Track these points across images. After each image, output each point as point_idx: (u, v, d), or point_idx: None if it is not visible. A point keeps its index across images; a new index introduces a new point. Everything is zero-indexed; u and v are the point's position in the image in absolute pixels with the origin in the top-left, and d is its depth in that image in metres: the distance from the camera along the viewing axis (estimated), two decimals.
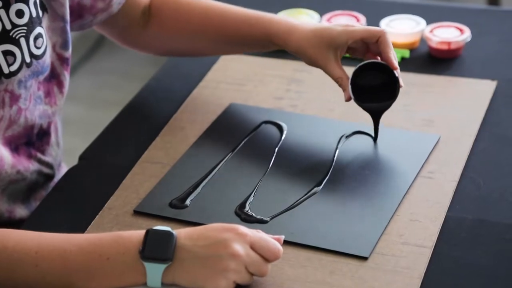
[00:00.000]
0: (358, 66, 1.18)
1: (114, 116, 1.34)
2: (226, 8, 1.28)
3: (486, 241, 1.06)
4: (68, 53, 1.19)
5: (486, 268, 1.02)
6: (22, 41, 1.11)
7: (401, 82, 1.18)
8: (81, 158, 1.25)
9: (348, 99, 1.19)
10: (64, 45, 1.18)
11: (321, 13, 1.50)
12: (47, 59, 1.15)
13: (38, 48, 1.13)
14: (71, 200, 1.17)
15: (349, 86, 1.18)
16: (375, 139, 1.22)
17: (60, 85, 1.19)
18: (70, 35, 1.18)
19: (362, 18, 1.48)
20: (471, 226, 1.08)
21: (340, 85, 1.19)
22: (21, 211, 1.19)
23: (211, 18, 1.27)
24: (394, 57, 1.17)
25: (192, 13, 1.28)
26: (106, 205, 1.13)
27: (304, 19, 1.49)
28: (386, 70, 1.18)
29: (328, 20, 1.48)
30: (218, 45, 1.30)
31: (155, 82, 1.42)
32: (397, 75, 1.17)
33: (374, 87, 1.19)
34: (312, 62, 1.21)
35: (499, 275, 1.01)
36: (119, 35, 1.33)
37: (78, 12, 1.22)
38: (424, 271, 1.01)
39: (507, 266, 1.02)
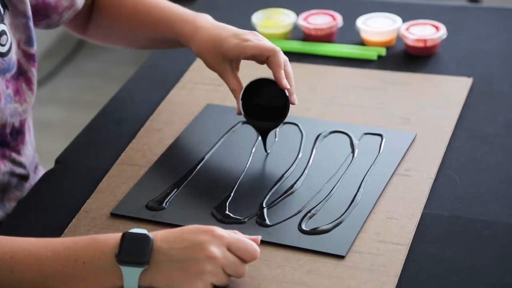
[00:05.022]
0: (250, 81, 1.14)
1: None
2: (152, 5, 1.27)
3: (462, 237, 1.06)
4: (33, 49, 1.19)
5: (463, 264, 1.02)
6: None
7: (294, 100, 1.13)
8: (58, 161, 1.24)
9: (239, 113, 1.16)
10: (29, 42, 1.18)
11: (298, 12, 1.51)
12: (13, 56, 1.15)
13: (2, 45, 1.13)
14: (47, 204, 1.16)
15: (240, 101, 1.14)
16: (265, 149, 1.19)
17: (28, 81, 1.18)
18: (34, 31, 1.18)
19: (339, 17, 1.48)
20: (448, 223, 1.08)
21: (235, 97, 1.16)
22: None
23: (137, 14, 1.27)
24: (286, 76, 1.12)
25: (123, 8, 1.29)
26: (82, 208, 1.13)
27: (280, 19, 1.49)
28: (279, 88, 1.13)
29: (305, 19, 1.48)
30: (144, 42, 1.31)
31: (131, 83, 1.42)
32: (287, 94, 1.13)
33: (266, 103, 1.16)
34: (211, 68, 1.19)
35: (475, 272, 1.01)
36: (75, 28, 1.35)
37: (44, 11, 1.22)
38: (401, 268, 1.02)
39: (483, 263, 1.03)
